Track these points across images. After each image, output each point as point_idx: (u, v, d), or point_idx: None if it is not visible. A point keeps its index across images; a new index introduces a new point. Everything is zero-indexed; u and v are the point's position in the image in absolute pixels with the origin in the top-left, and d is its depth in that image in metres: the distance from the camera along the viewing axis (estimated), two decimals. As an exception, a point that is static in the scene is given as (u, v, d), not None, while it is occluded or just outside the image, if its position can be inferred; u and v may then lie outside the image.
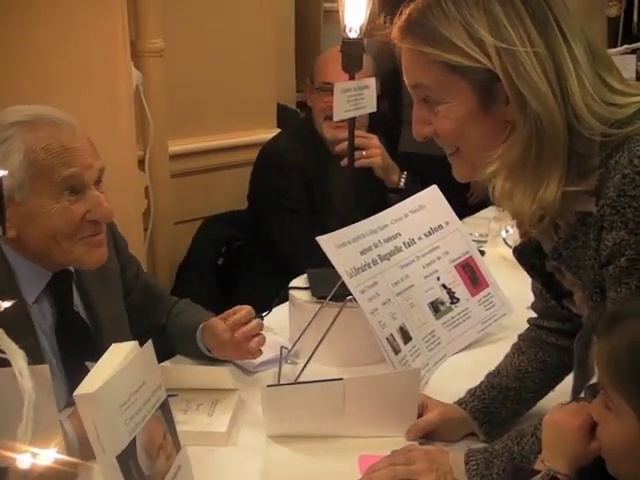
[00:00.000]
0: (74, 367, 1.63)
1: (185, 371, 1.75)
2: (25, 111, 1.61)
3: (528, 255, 1.41)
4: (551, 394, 1.61)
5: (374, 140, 2.68)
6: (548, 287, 1.43)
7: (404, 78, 1.31)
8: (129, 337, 1.83)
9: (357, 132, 2.58)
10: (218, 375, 1.71)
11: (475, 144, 1.25)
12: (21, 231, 1.58)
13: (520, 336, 1.66)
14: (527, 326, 1.66)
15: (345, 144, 2.53)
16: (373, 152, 2.66)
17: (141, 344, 1.79)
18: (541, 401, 1.62)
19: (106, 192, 1.67)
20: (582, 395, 1.36)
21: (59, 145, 1.58)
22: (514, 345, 1.65)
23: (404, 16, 1.27)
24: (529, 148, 1.18)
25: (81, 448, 1.31)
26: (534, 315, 1.64)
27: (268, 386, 1.58)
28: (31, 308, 1.64)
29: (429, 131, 1.30)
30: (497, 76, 1.18)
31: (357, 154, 2.59)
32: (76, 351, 1.67)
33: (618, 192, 1.14)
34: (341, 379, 1.55)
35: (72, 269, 1.72)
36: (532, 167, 1.18)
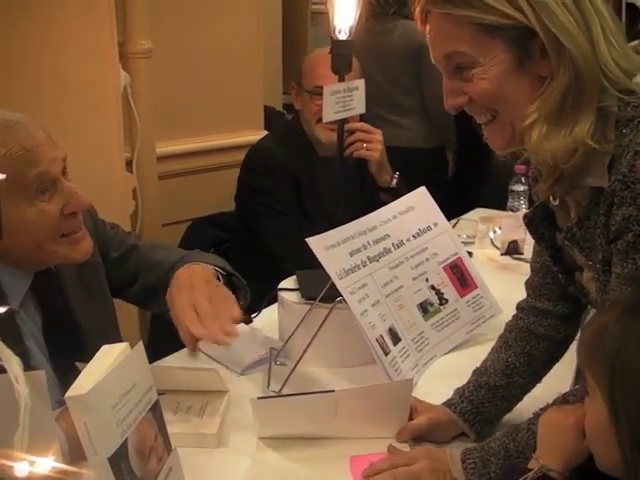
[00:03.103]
0: (64, 366, 1.61)
1: (175, 373, 1.74)
2: None
3: (538, 223, 1.43)
4: (544, 385, 1.62)
5: (377, 135, 2.68)
6: (555, 260, 1.44)
7: (432, 51, 1.31)
8: (115, 336, 1.84)
9: (362, 125, 2.62)
10: (208, 377, 1.70)
11: (513, 102, 1.26)
12: (2, 242, 1.54)
13: (507, 326, 1.65)
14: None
15: (350, 149, 2.57)
16: (374, 146, 2.66)
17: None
18: (533, 393, 1.62)
19: (73, 179, 1.64)
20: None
21: (19, 148, 1.55)
22: (500, 337, 1.65)
23: None
24: (567, 94, 1.20)
25: (71, 449, 1.30)
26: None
27: (258, 398, 1.57)
28: (18, 314, 1.62)
29: (463, 101, 1.30)
30: (531, 32, 1.19)
31: (357, 145, 2.62)
32: (65, 350, 1.66)
33: (629, 168, 1.17)
34: (333, 391, 1.54)
35: (53, 268, 1.70)
36: (569, 112, 1.21)
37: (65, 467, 0.72)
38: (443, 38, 1.28)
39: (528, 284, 1.62)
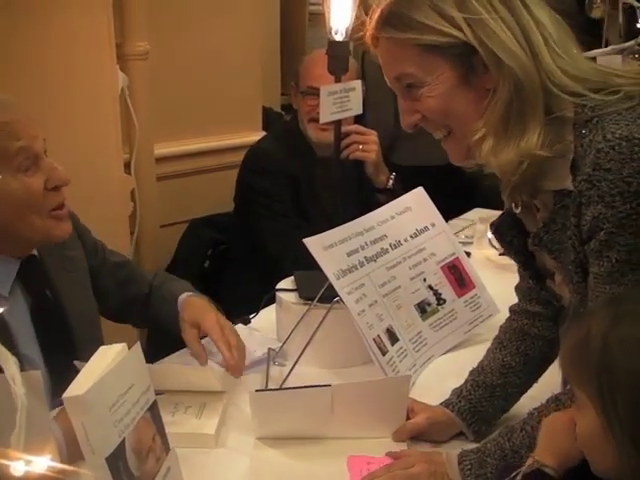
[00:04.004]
0: (54, 353, 1.66)
1: (173, 372, 1.74)
2: None
3: (505, 231, 1.45)
4: (539, 385, 1.62)
5: (372, 136, 2.69)
6: (526, 266, 1.46)
7: (384, 74, 1.36)
8: (97, 326, 1.89)
9: (356, 127, 2.62)
10: (206, 377, 1.70)
11: (462, 117, 1.30)
12: None
13: (502, 327, 1.66)
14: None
15: (346, 152, 2.57)
16: (370, 147, 2.67)
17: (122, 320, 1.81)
18: (529, 393, 1.62)
19: (72, 180, 1.68)
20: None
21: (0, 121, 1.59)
22: (495, 338, 1.66)
23: (377, 12, 1.32)
24: (510, 105, 1.23)
25: (68, 448, 1.31)
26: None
27: (256, 391, 1.58)
28: (7, 301, 1.64)
29: (416, 118, 1.35)
30: (472, 48, 1.23)
31: (353, 147, 2.63)
32: (53, 336, 1.69)
33: (593, 167, 1.18)
34: (329, 385, 1.54)
35: (37, 256, 1.73)
36: (514, 123, 1.24)
37: (61, 466, 0.73)
38: (391, 61, 1.33)
39: (518, 289, 1.63)
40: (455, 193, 2.96)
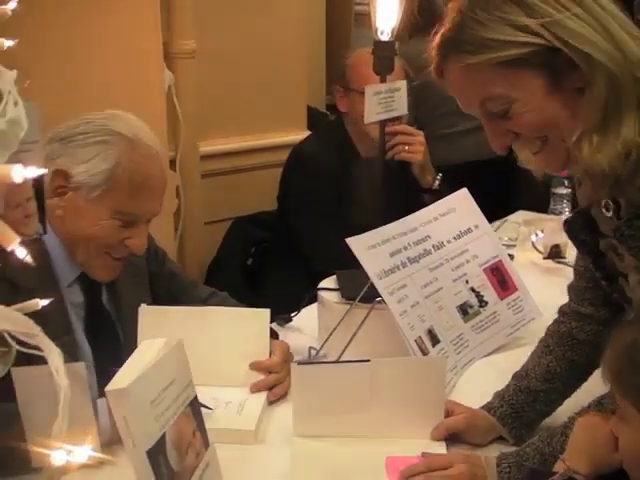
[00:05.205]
0: (101, 354, 1.69)
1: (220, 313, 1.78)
2: (130, 126, 1.66)
3: (578, 229, 1.41)
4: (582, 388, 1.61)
5: (419, 137, 2.67)
6: (597, 266, 1.42)
7: (461, 104, 1.31)
8: None
9: (403, 127, 2.61)
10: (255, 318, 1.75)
11: (559, 122, 1.25)
12: (65, 216, 1.63)
13: (548, 330, 1.64)
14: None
15: (391, 152, 2.58)
16: (416, 148, 2.65)
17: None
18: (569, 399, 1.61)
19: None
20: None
21: (143, 178, 1.64)
22: (541, 342, 1.64)
23: (438, 41, 1.28)
24: (607, 99, 1.19)
25: (113, 429, 1.32)
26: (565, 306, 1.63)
27: (299, 363, 1.61)
28: (65, 290, 1.68)
29: (510, 139, 1.29)
30: (553, 51, 1.19)
31: (398, 148, 2.62)
32: (102, 347, 1.71)
33: None
34: (368, 360, 1.56)
35: None
36: (612, 116, 1.19)
37: (102, 456, 0.74)
38: (471, 88, 1.27)
39: (571, 288, 1.60)
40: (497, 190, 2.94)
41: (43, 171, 0.66)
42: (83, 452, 0.72)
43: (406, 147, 2.63)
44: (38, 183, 0.77)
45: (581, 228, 1.40)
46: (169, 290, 1.95)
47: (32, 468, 1.22)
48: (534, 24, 1.18)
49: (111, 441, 1.33)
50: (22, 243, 0.66)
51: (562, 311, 1.63)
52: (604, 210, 1.34)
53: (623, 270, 1.35)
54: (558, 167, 1.32)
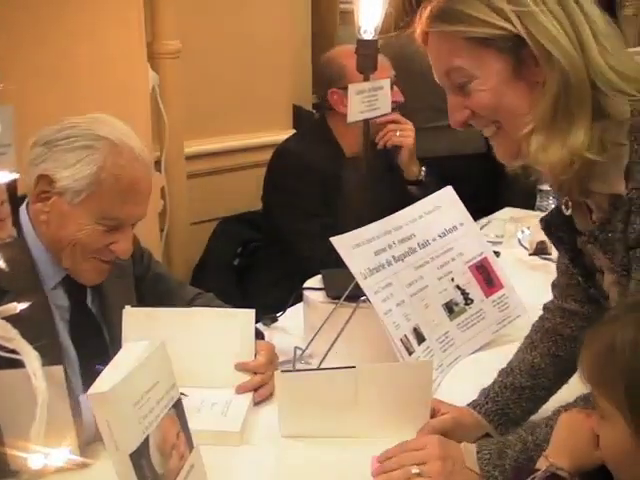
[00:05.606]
0: (87, 356, 1.68)
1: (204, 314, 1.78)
2: (114, 130, 1.65)
3: (555, 227, 1.43)
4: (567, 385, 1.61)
5: (409, 125, 2.74)
6: (575, 263, 1.44)
7: (434, 70, 1.35)
8: None
9: (393, 116, 2.63)
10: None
11: (513, 110, 1.28)
12: (49, 221, 1.63)
13: (533, 326, 1.65)
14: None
15: (383, 140, 2.63)
16: (407, 133, 2.72)
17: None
18: (557, 395, 1.61)
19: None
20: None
21: (128, 182, 1.63)
22: (527, 337, 1.65)
23: (427, 9, 1.32)
24: (558, 99, 1.22)
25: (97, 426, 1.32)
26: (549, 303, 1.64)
27: (282, 371, 1.60)
28: (50, 294, 1.68)
29: (466, 115, 1.34)
30: (522, 40, 1.23)
31: (389, 134, 2.68)
32: (88, 349, 1.70)
33: None
34: (354, 367, 1.55)
35: None
36: (561, 118, 1.22)
37: (80, 459, 0.73)
38: (440, 55, 1.33)
39: (554, 285, 1.61)
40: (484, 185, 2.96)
41: (16, 175, 0.66)
42: (61, 455, 0.72)
43: (397, 132, 2.68)
44: (12, 186, 0.77)
45: (559, 225, 1.42)
46: (155, 292, 1.94)
47: (10, 471, 1.21)
48: (509, 10, 1.22)
49: (95, 438, 1.33)
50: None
51: (546, 307, 1.64)
52: (564, 208, 1.38)
53: (600, 267, 1.36)
54: (508, 156, 1.34)
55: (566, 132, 1.22)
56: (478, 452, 1.39)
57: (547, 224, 1.44)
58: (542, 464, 1.21)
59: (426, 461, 1.40)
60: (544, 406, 1.60)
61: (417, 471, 1.40)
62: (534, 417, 1.59)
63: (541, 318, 1.65)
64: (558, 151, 1.22)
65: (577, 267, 1.44)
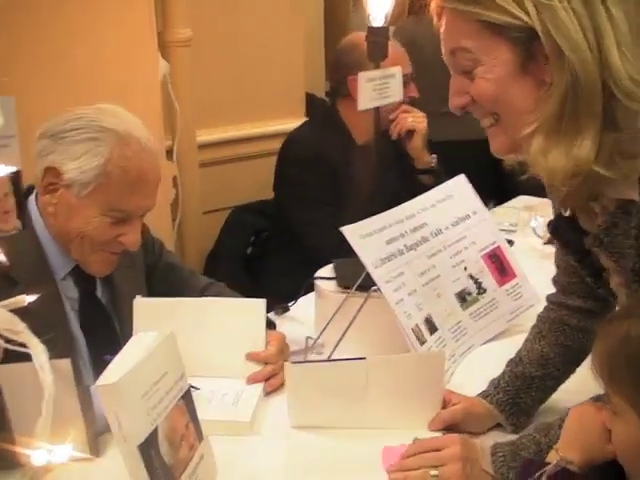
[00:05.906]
0: (97, 347, 1.68)
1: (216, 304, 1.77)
2: (121, 121, 1.63)
3: (563, 230, 1.39)
4: (578, 378, 1.59)
5: (420, 113, 2.74)
6: (583, 264, 1.40)
7: (442, 47, 1.29)
8: None
9: (404, 107, 2.65)
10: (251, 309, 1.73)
11: (514, 106, 1.23)
12: (57, 214, 1.63)
13: (539, 317, 1.64)
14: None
15: (396, 128, 2.63)
16: (419, 119, 2.71)
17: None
18: (568, 387, 1.60)
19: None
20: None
21: (135, 174, 1.62)
22: (533, 328, 1.63)
23: None
24: (565, 102, 1.16)
25: None
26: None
27: (292, 362, 1.59)
28: (60, 284, 1.68)
29: (465, 101, 1.28)
30: (536, 34, 1.16)
31: (402, 121, 2.68)
32: (98, 339, 1.70)
33: None
34: (364, 358, 1.54)
35: None
36: (568, 122, 1.16)
37: (84, 456, 0.73)
38: (451, 33, 1.27)
39: (556, 282, 1.60)
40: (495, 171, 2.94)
41: (18, 167, 0.65)
42: (64, 452, 0.71)
43: (410, 118, 2.68)
44: (16, 178, 0.76)
45: (566, 227, 1.38)
46: (167, 281, 1.93)
47: (18, 464, 1.21)
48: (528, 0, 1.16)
49: (107, 429, 1.32)
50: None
51: (550, 300, 1.63)
52: (562, 210, 1.34)
53: (607, 266, 1.34)
54: (503, 151, 1.30)
55: (571, 139, 1.16)
56: (492, 454, 1.38)
57: (555, 227, 1.40)
58: (553, 457, 1.20)
59: (446, 462, 1.39)
60: (555, 402, 1.60)
61: (435, 473, 1.38)
62: (547, 407, 1.59)
63: (546, 309, 1.63)
64: (560, 158, 1.16)
65: (585, 268, 1.40)
